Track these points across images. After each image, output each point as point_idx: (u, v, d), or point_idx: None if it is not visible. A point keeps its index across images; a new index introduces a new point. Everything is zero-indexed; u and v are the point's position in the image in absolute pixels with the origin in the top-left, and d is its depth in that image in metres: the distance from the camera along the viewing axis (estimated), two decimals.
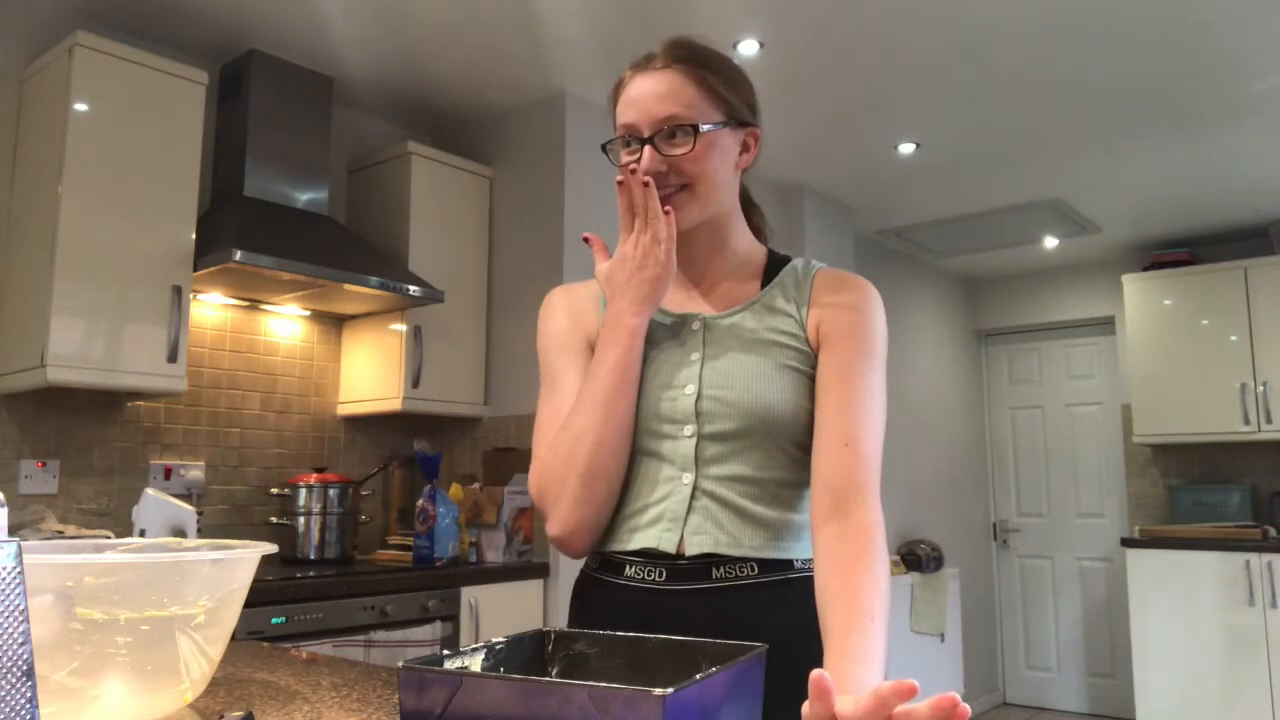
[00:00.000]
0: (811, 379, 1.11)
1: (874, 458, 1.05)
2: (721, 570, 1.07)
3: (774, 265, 1.20)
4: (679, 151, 1.10)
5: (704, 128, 1.10)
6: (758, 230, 1.26)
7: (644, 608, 1.08)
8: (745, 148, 1.17)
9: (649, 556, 1.09)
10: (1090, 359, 5.62)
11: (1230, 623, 4.19)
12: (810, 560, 1.09)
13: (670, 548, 1.08)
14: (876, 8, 2.70)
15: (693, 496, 1.08)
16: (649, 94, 1.11)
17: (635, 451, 1.12)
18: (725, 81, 1.13)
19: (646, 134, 1.10)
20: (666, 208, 1.10)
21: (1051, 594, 5.61)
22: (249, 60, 2.91)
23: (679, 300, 1.19)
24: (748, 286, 1.18)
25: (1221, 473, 4.94)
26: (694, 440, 1.10)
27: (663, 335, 1.16)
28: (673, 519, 1.08)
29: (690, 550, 1.07)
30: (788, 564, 1.09)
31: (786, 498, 1.10)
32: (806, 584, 1.07)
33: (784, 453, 1.10)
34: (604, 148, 1.17)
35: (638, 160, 1.11)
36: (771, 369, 1.10)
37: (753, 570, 1.07)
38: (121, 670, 0.85)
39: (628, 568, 1.10)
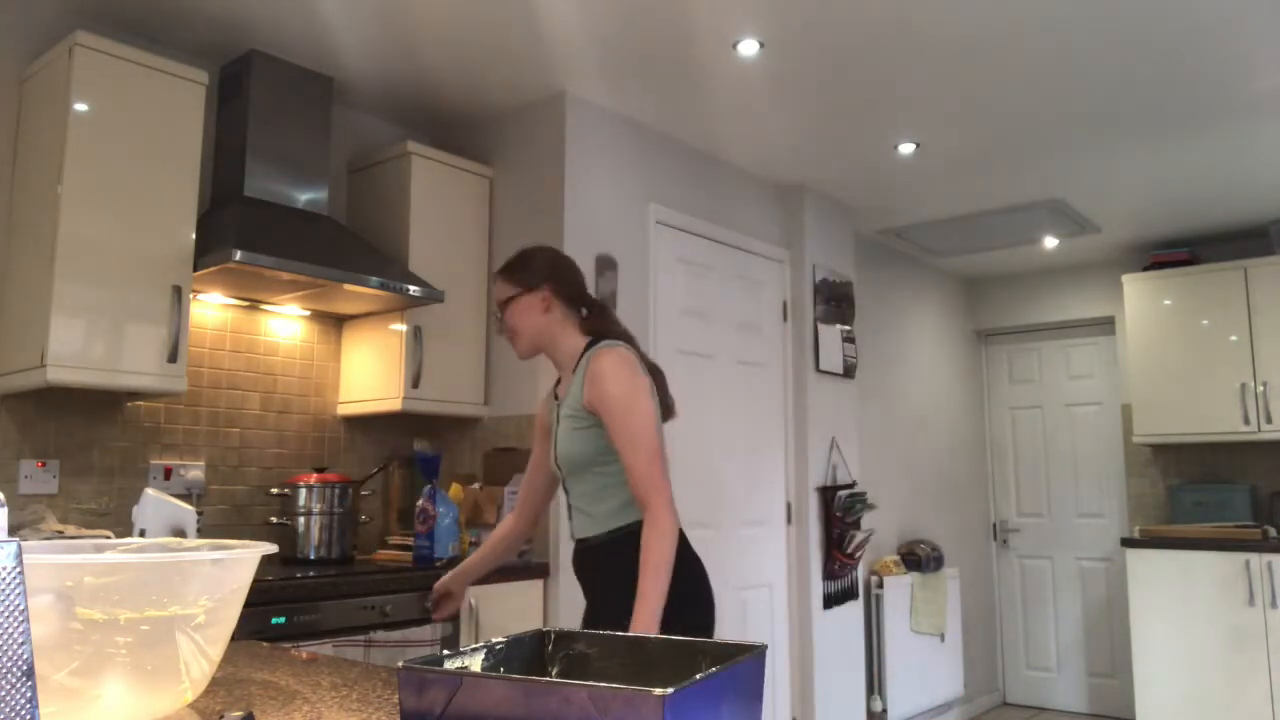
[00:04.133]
0: (595, 430, 1.85)
1: (647, 469, 1.76)
2: (588, 540, 1.94)
3: (583, 358, 1.91)
4: (502, 316, 1.99)
5: (503, 302, 1.97)
6: (604, 325, 1.97)
7: (580, 554, 1.96)
8: (545, 301, 1.93)
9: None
10: (1090, 359, 5.62)
11: (1230, 622, 4.19)
12: (619, 528, 1.87)
13: (575, 535, 1.97)
14: (876, 7, 2.70)
15: (569, 508, 1.98)
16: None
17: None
18: (516, 270, 1.95)
19: (499, 313, 2.00)
20: None
21: (1051, 594, 5.61)
22: (249, 60, 2.91)
23: (560, 388, 2.01)
24: (572, 377, 1.93)
25: (1221, 473, 4.94)
26: (562, 478, 1.98)
27: (557, 414, 1.96)
28: (571, 520, 1.99)
29: (577, 535, 1.96)
30: (610, 532, 1.89)
31: (600, 498, 1.90)
32: (615, 540, 1.88)
33: (591, 475, 1.90)
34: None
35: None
36: (571, 433, 1.89)
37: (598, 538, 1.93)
38: (121, 670, 0.85)
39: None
